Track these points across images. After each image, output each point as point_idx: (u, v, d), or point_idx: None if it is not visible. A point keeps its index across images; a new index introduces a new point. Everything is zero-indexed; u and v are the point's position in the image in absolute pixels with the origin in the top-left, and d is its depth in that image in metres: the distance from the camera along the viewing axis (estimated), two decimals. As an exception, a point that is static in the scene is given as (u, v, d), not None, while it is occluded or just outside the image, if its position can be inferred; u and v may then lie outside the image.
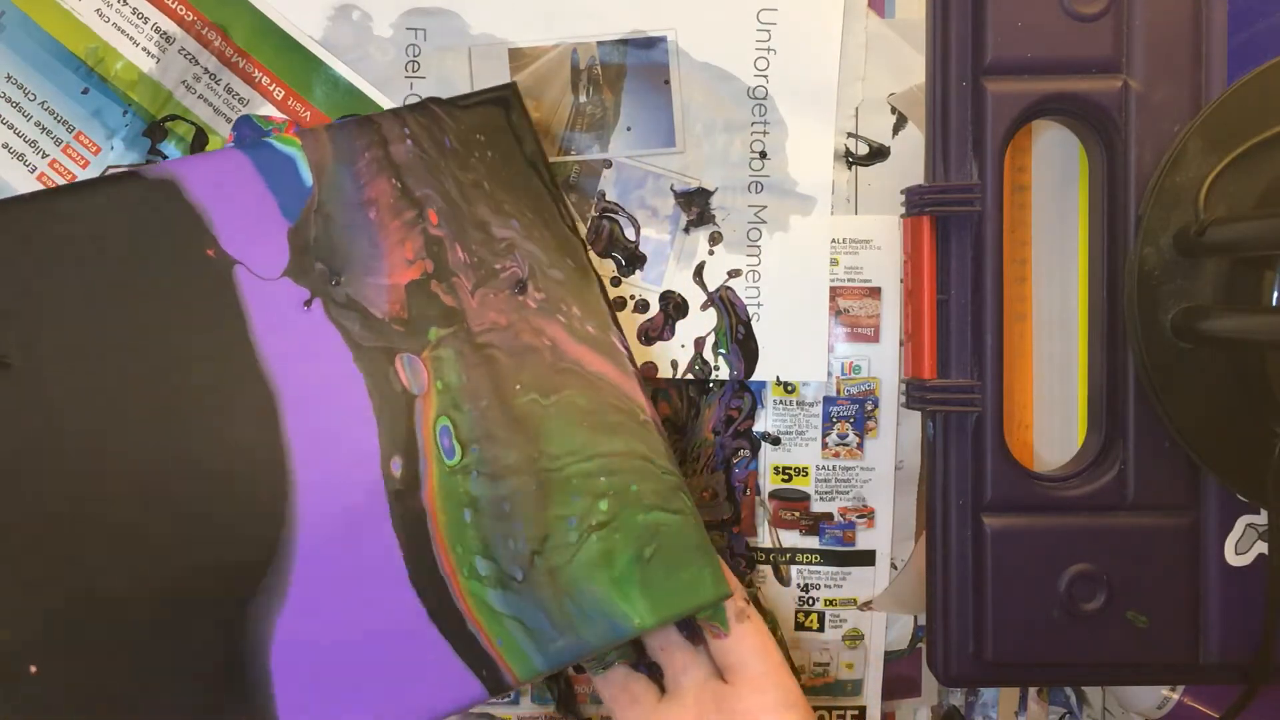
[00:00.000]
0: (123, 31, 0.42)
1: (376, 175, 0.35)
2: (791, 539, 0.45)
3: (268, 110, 0.42)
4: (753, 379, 0.44)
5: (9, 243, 0.33)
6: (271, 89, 0.42)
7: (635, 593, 0.34)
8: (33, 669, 0.31)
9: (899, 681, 0.46)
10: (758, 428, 0.45)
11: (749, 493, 0.45)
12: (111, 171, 0.39)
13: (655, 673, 0.39)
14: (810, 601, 0.45)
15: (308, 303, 0.34)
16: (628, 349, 0.37)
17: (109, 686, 0.31)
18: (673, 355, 0.44)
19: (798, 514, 0.45)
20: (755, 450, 0.45)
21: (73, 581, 0.32)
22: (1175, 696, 0.42)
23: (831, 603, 0.45)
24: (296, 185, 0.35)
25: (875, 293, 0.44)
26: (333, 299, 0.34)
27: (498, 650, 0.33)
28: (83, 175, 0.42)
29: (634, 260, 0.43)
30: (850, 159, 0.44)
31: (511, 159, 0.36)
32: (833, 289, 0.44)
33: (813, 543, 0.45)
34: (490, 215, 0.36)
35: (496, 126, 0.37)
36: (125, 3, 0.42)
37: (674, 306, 0.44)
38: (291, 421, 0.33)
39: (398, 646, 0.33)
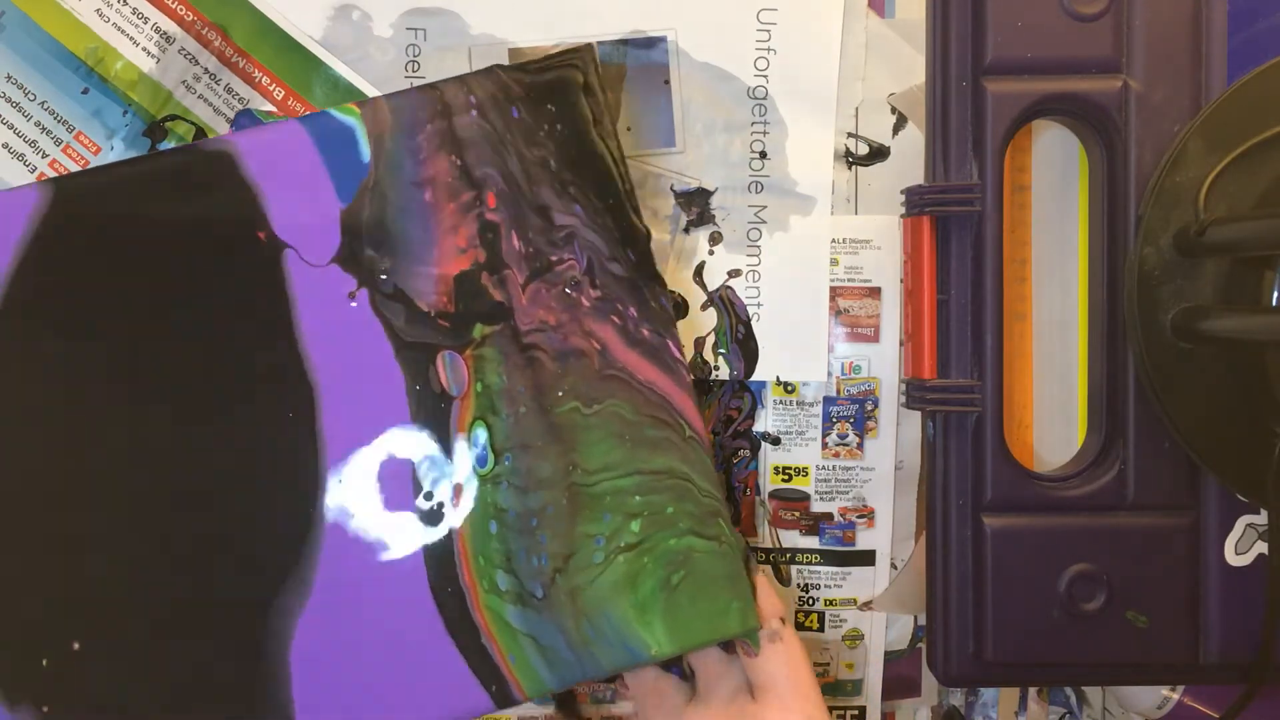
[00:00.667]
0: (123, 31, 0.42)
1: (437, 151, 0.33)
2: (791, 539, 0.45)
3: (268, 109, 0.42)
4: (753, 379, 0.44)
5: (68, 219, 0.32)
6: (271, 89, 0.42)
7: (657, 620, 0.33)
8: (75, 645, 0.32)
9: (899, 681, 0.46)
10: (758, 428, 0.45)
11: (749, 493, 0.45)
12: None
13: (687, 673, 0.38)
14: (810, 601, 0.45)
15: (353, 294, 0.33)
16: (684, 358, 0.35)
17: (144, 665, 0.32)
18: (673, 355, 0.44)
19: (798, 514, 0.45)
20: (755, 450, 0.45)
21: (108, 566, 0.32)
22: (1175, 696, 0.42)
23: (831, 603, 0.45)
24: (353, 161, 0.33)
25: (875, 293, 0.44)
26: (379, 289, 0.33)
27: (509, 666, 0.33)
28: (83, 175, 0.42)
29: (634, 260, 0.43)
30: (850, 159, 0.44)
31: (582, 134, 0.34)
32: (833, 289, 0.44)
33: (813, 543, 0.45)
34: (553, 199, 0.34)
35: (569, 96, 0.34)
36: (125, 3, 0.42)
37: (674, 306, 0.44)
38: (328, 418, 0.33)
39: (412, 653, 0.33)
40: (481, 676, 0.33)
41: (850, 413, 0.44)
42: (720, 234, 0.44)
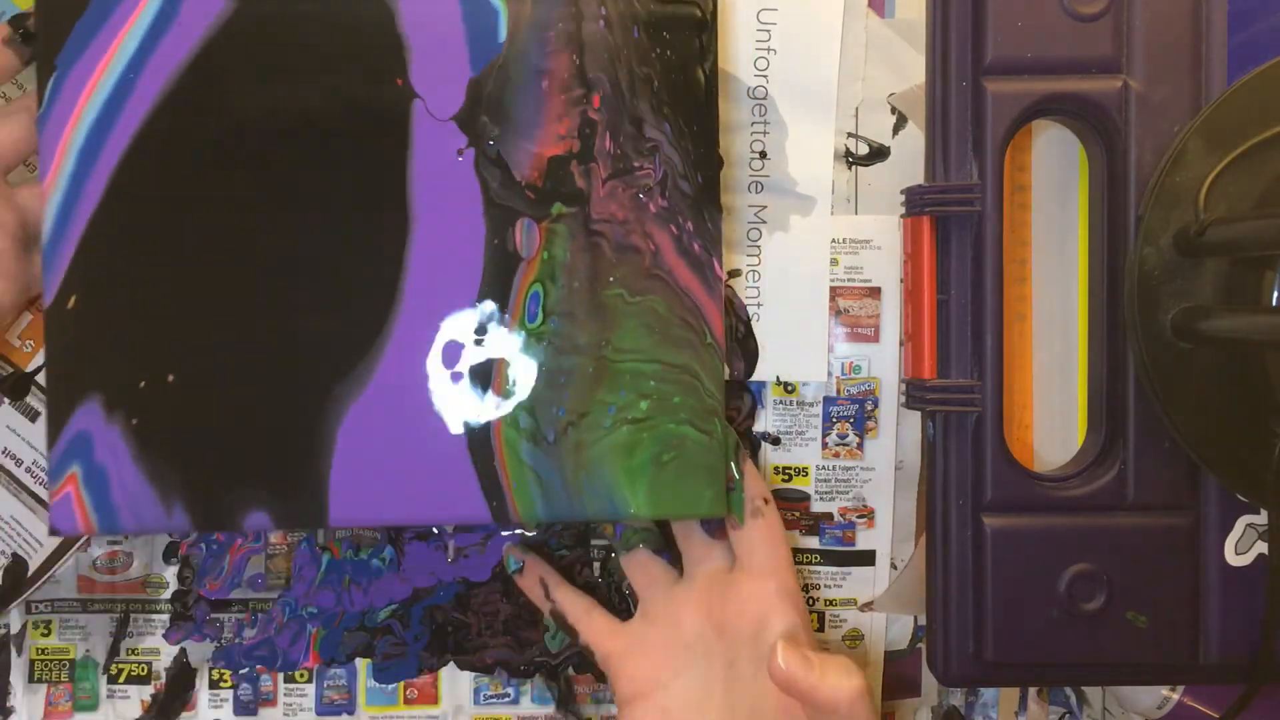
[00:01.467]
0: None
1: (562, 48, 0.38)
2: (791, 539, 0.45)
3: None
4: (753, 379, 0.44)
5: (242, 31, 0.38)
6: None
7: (642, 487, 0.38)
8: (170, 378, 0.38)
9: (899, 681, 0.46)
10: (758, 428, 0.45)
11: (749, 493, 0.45)
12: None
13: (676, 561, 0.42)
14: (810, 601, 0.45)
15: (462, 150, 0.38)
16: (723, 275, 0.39)
17: (223, 406, 0.38)
18: (673, 355, 0.44)
19: (798, 514, 0.45)
20: (755, 450, 0.45)
21: (215, 319, 0.38)
22: (1175, 696, 0.42)
23: (831, 603, 0.45)
24: (490, 40, 0.38)
25: (875, 293, 0.44)
26: (485, 152, 0.38)
27: (511, 490, 0.38)
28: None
29: (634, 260, 0.43)
30: (850, 159, 0.44)
31: (687, 66, 0.39)
32: (833, 289, 0.44)
33: (813, 543, 0.45)
34: (648, 113, 0.39)
35: (686, 30, 0.39)
36: (125, 3, 0.42)
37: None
38: (415, 249, 0.38)
39: (435, 458, 0.38)
40: (487, 492, 0.38)
41: (850, 413, 0.44)
42: (720, 234, 0.44)
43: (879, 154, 0.44)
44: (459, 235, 0.38)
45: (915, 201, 0.40)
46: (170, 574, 0.45)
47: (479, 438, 0.38)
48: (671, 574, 0.42)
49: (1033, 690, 0.47)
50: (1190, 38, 0.39)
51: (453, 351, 0.38)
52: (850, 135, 0.44)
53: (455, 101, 0.38)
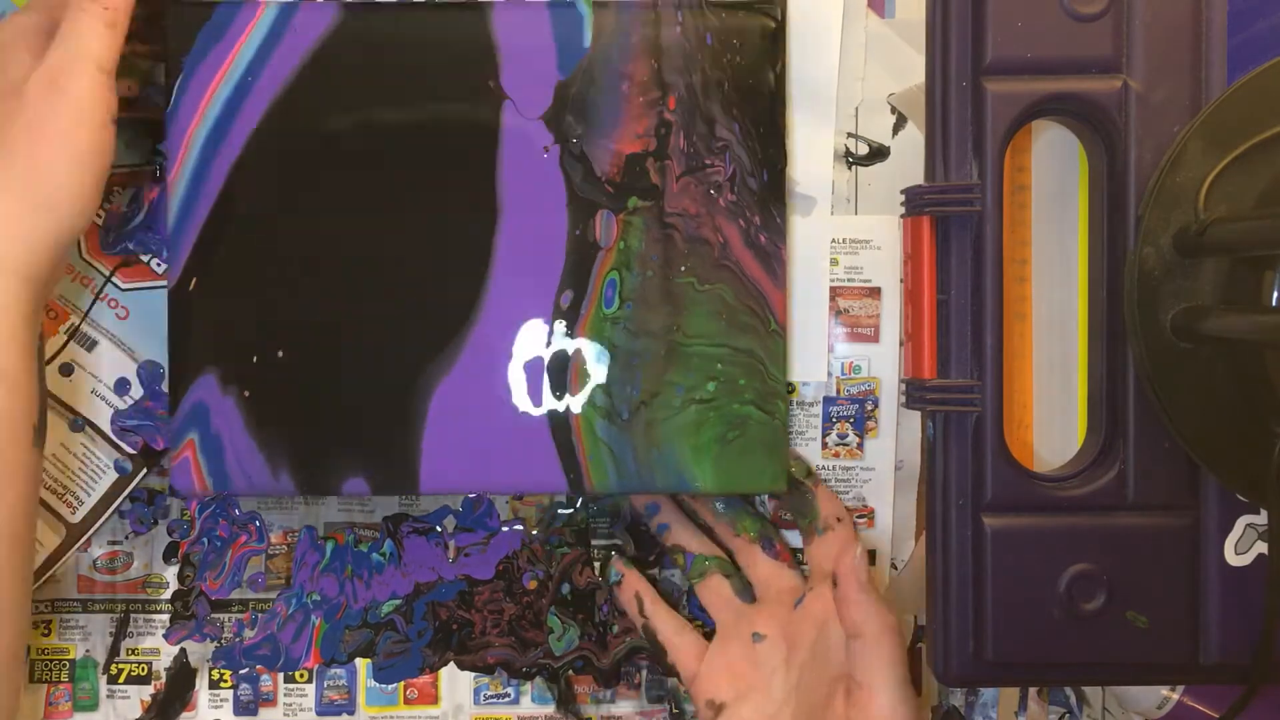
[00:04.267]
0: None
1: (642, 53, 0.41)
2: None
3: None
4: (753, 379, 0.44)
5: (347, 39, 0.41)
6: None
7: (708, 463, 0.41)
8: (280, 354, 0.41)
9: (899, 681, 0.46)
10: (758, 428, 0.44)
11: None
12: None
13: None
14: (810, 601, 0.45)
15: (548, 148, 0.41)
16: (785, 267, 0.42)
17: (326, 383, 0.41)
18: (673, 355, 0.44)
19: (798, 514, 0.45)
20: (755, 450, 0.45)
21: (321, 305, 0.41)
22: (1175, 696, 0.42)
23: (831, 603, 0.45)
24: (577, 45, 0.41)
25: (875, 293, 0.44)
26: (569, 150, 0.41)
27: (587, 463, 0.41)
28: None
29: (634, 260, 0.43)
30: (850, 159, 0.44)
31: (757, 71, 0.41)
32: (833, 289, 0.44)
33: (813, 543, 0.45)
34: (719, 114, 0.41)
35: (755, 38, 0.41)
36: (125, 3, 0.42)
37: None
38: (502, 238, 0.41)
39: (518, 433, 0.41)
40: (565, 465, 0.41)
41: (850, 413, 0.44)
42: (720, 234, 0.44)
43: (879, 154, 0.44)
44: (543, 226, 0.41)
45: (915, 201, 0.40)
46: (170, 574, 0.45)
47: (559, 415, 0.41)
48: (748, 597, 0.44)
49: (1033, 690, 0.46)
50: (1190, 38, 0.39)
51: (534, 334, 0.41)
52: (850, 135, 0.44)
53: (544, 102, 0.41)
